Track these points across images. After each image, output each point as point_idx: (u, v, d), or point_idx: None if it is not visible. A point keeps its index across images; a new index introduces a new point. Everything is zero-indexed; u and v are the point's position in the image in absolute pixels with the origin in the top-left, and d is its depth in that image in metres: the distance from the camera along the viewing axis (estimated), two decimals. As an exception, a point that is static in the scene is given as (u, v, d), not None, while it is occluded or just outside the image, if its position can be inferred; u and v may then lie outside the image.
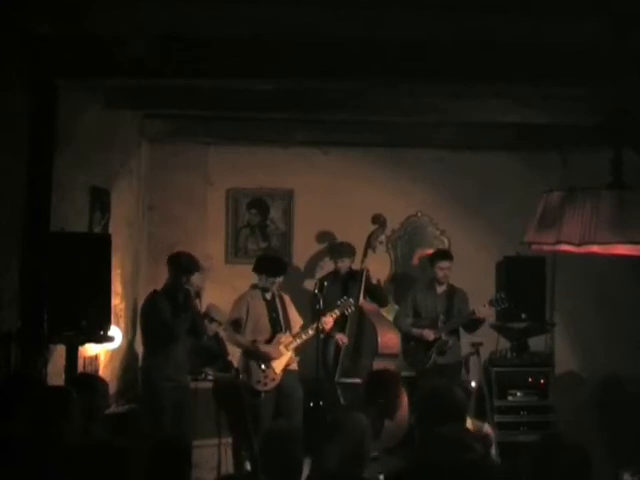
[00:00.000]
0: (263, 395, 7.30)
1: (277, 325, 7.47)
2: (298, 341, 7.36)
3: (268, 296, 7.51)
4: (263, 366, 7.33)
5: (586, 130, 7.11)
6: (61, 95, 5.68)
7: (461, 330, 7.96)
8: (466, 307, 7.90)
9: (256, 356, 7.35)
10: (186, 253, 7.13)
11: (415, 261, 8.89)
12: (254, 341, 7.39)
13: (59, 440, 3.93)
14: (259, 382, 7.32)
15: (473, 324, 7.85)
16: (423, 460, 3.73)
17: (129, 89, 6.74)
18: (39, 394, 4.23)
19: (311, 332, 7.26)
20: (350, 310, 7.52)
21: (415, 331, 7.86)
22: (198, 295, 6.99)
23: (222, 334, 7.68)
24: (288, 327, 7.46)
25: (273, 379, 7.34)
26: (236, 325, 7.43)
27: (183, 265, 6.97)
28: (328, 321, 7.39)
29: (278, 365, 7.35)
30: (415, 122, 7.66)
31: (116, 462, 3.57)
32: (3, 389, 4.39)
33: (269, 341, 7.41)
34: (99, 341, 6.05)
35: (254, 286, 7.55)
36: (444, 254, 8.04)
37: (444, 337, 7.77)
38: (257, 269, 7.52)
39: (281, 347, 7.37)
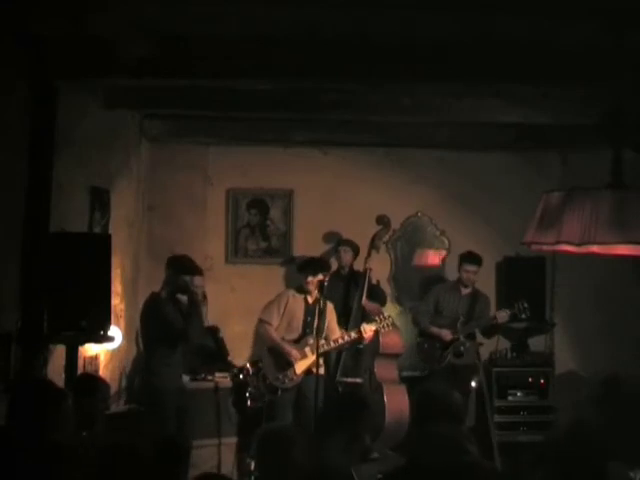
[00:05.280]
0: (280, 392, 7.33)
1: (308, 328, 7.46)
2: (326, 347, 7.33)
3: (309, 299, 7.54)
4: (285, 364, 7.36)
5: (586, 130, 7.12)
6: (61, 95, 5.68)
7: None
8: (488, 312, 7.90)
9: (280, 353, 7.38)
10: (186, 255, 7.04)
11: (415, 261, 8.89)
12: (282, 338, 7.45)
13: (52, 439, 3.91)
14: (277, 379, 7.36)
15: (491, 329, 7.86)
16: (417, 461, 3.73)
17: (129, 89, 6.73)
18: (34, 394, 4.23)
19: (344, 339, 7.38)
20: (387, 328, 7.50)
21: (434, 329, 7.86)
22: (205, 297, 6.92)
23: (260, 327, 7.61)
24: (320, 332, 7.33)
25: (292, 379, 7.36)
26: (270, 318, 7.46)
27: (185, 266, 6.82)
28: (368, 333, 7.41)
29: (300, 366, 7.36)
30: (415, 122, 7.65)
31: (118, 462, 3.57)
32: (10, 390, 4.38)
33: (297, 341, 7.44)
34: (99, 341, 6.05)
35: (298, 288, 7.62)
36: (472, 258, 7.94)
37: (462, 339, 7.77)
38: (298, 268, 7.65)
39: (307, 349, 7.37)
